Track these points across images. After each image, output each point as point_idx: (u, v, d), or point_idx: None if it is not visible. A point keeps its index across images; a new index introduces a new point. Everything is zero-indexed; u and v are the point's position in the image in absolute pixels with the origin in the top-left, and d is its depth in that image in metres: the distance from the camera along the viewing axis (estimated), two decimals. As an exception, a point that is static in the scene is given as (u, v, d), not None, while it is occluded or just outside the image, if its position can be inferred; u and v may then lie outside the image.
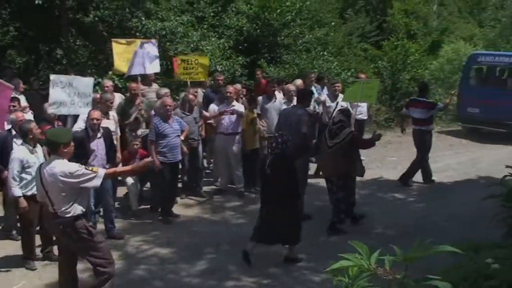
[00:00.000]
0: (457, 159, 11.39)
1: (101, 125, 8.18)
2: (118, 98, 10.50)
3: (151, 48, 10.49)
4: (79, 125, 8.69)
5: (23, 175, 7.07)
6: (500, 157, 12.71)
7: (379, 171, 12.09)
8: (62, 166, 5.49)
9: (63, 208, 5.55)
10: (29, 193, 7.09)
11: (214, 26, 16.41)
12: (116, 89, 11.44)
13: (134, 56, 10.16)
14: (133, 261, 7.57)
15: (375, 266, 2.52)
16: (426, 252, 2.58)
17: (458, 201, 9.76)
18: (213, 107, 10.33)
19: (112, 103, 9.25)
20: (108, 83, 10.74)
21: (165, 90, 10.28)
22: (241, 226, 8.76)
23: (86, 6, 14.29)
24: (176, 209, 9.35)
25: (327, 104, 11.47)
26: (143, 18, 14.09)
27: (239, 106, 10.19)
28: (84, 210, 5.71)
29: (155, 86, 11.39)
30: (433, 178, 11.16)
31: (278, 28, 16.66)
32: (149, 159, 6.53)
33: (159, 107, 9.28)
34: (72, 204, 5.58)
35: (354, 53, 20.39)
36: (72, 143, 5.75)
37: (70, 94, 8.59)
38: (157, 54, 10.70)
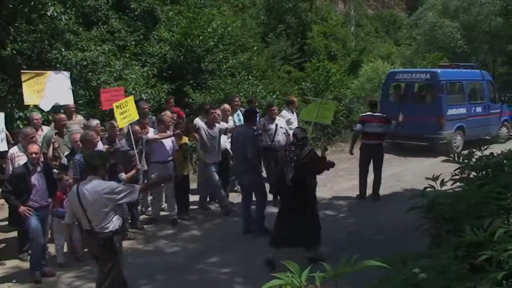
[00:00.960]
0: (383, 173, 11.77)
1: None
2: (45, 130, 10.22)
3: (63, 79, 10.34)
4: None
5: None
6: (423, 169, 13.21)
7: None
8: (103, 184, 6.12)
9: (103, 224, 6.03)
10: None
11: (136, 54, 16.32)
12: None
13: (46, 88, 9.95)
14: None
15: (306, 283, 2.57)
16: (354, 268, 2.67)
17: (387, 214, 10.07)
18: (152, 133, 10.25)
19: (32, 137, 8.91)
20: (37, 115, 10.40)
21: (96, 122, 10.05)
22: (176, 254, 8.68)
23: (3, 39, 13.85)
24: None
25: (267, 127, 11.52)
26: (62, 49, 13.80)
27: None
28: (120, 226, 6.31)
29: (79, 117, 11.16)
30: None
31: (202, 54, 16.73)
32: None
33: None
34: (111, 220, 6.09)
35: (278, 76, 20.79)
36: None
37: None
38: (70, 85, 10.59)
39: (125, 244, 9.13)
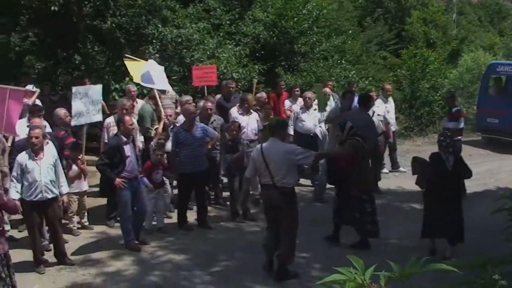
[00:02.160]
0: (476, 169, 11.13)
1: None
2: (140, 103, 10.47)
3: (161, 69, 10.53)
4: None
5: (23, 179, 7.11)
6: (520, 167, 12.48)
7: (396, 180, 11.91)
8: (284, 145, 6.96)
9: (283, 179, 6.73)
10: (31, 199, 7.12)
11: (230, 33, 16.37)
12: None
13: (146, 68, 10.12)
14: (147, 267, 7.50)
15: (370, 281, 2.40)
16: (423, 269, 2.48)
17: (475, 213, 9.56)
18: (234, 111, 10.24)
19: (128, 109, 9.15)
20: (133, 88, 10.69)
21: (187, 98, 10.20)
22: (256, 234, 8.66)
23: (103, 13, 14.34)
24: (193, 216, 9.22)
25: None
26: (159, 25, 14.10)
27: (255, 115, 10.13)
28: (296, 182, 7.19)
29: (171, 92, 11.32)
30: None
31: (295, 36, 16.58)
32: None
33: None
34: (290, 176, 6.82)
35: (372, 61, 20.28)
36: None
37: (86, 104, 8.61)
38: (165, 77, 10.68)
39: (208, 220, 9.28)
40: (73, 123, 8.52)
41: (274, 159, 6.75)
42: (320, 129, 11.06)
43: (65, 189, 7.50)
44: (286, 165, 6.75)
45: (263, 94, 11.44)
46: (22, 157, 7.13)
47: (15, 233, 8.63)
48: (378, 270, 2.47)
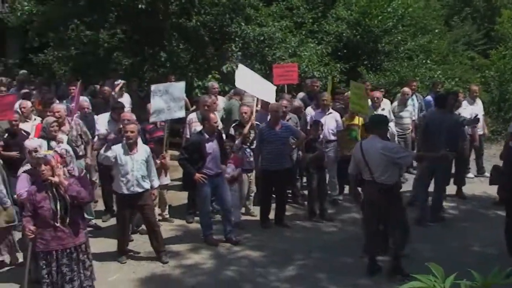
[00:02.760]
0: None
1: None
2: (221, 101, 10.60)
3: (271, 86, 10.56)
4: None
5: (116, 172, 7.41)
6: None
7: (481, 185, 11.45)
8: (382, 143, 6.84)
9: (382, 176, 6.75)
10: (122, 192, 7.36)
11: (313, 32, 16.32)
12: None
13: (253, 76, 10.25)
14: (224, 261, 7.60)
15: None
16: (506, 281, 2.36)
17: None
18: (310, 111, 10.19)
19: (210, 106, 9.28)
20: (216, 85, 10.88)
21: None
22: (333, 234, 8.60)
23: (188, 11, 14.64)
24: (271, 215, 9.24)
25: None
26: (242, 24, 14.23)
27: (335, 115, 10.00)
28: (397, 180, 7.07)
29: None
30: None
31: (379, 34, 16.33)
32: None
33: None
34: (390, 173, 6.79)
35: (459, 62, 19.58)
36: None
37: (166, 101, 8.76)
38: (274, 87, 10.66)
39: (285, 218, 9.26)
40: (151, 119, 8.68)
41: (372, 156, 6.79)
42: (389, 129, 10.85)
43: (156, 183, 7.69)
44: (383, 162, 6.74)
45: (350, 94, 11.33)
46: (117, 150, 7.35)
47: (99, 223, 9.00)
48: (458, 279, 2.38)
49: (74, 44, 15.28)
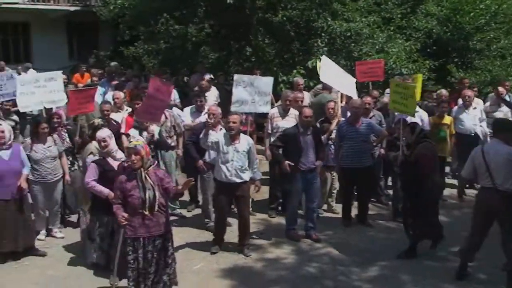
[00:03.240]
0: None
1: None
2: (306, 97, 10.58)
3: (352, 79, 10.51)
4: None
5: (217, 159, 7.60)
6: None
7: None
8: (506, 147, 6.48)
9: (504, 183, 6.40)
10: (221, 180, 7.50)
11: (401, 27, 15.94)
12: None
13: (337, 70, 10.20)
14: (306, 257, 7.60)
15: None
16: None
17: None
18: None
19: (295, 101, 9.26)
20: (301, 81, 10.87)
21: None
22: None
23: (275, 6, 14.68)
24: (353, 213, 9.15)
25: None
26: (329, 19, 14.11)
27: (421, 113, 9.72)
28: None
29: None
30: None
31: (470, 32, 15.75)
32: None
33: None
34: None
35: (557, 61, 18.56)
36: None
37: (251, 93, 8.82)
38: (354, 81, 10.60)
39: (369, 218, 9.13)
40: (232, 108, 8.65)
41: (496, 162, 6.44)
42: (481, 128, 10.46)
43: (258, 175, 7.77)
44: (508, 168, 6.39)
45: (443, 91, 11.04)
46: (219, 138, 7.48)
47: (184, 213, 9.22)
48: None
49: (163, 37, 15.67)
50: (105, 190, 6.56)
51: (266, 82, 9.14)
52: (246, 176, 7.52)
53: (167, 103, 8.48)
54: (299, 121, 8.17)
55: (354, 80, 10.46)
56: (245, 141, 7.55)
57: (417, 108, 9.67)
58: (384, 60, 12.44)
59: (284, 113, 9.13)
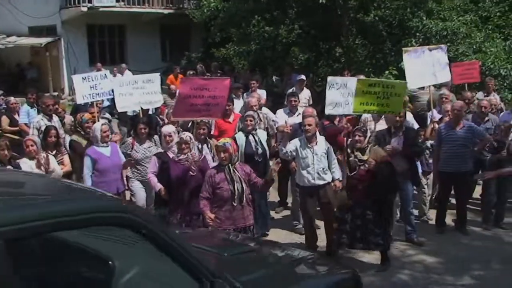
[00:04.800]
0: None
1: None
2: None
3: (441, 55, 10.04)
4: None
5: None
6: None
7: None
8: None
9: None
10: (304, 184, 7.44)
11: (499, 26, 15.33)
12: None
13: (421, 64, 9.77)
14: (398, 264, 7.40)
15: None
16: None
17: None
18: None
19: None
20: None
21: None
22: (514, 245, 8.00)
23: (367, 6, 14.50)
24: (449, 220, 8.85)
25: None
26: (424, 18, 13.75)
27: None
28: None
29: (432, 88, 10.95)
30: None
31: None
32: None
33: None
34: None
35: None
36: None
37: (344, 95, 8.66)
38: (447, 61, 10.13)
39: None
40: (327, 111, 8.56)
41: None
42: None
43: (338, 174, 7.60)
44: None
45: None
46: (296, 144, 7.44)
47: (273, 214, 9.23)
48: None
49: (254, 39, 15.84)
50: (157, 186, 6.97)
51: None
52: (328, 177, 7.42)
53: (223, 97, 8.45)
54: (386, 121, 8.04)
55: (446, 61, 10.06)
56: (322, 142, 7.47)
57: None
58: (481, 61, 11.98)
59: (378, 117, 8.92)
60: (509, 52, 14.08)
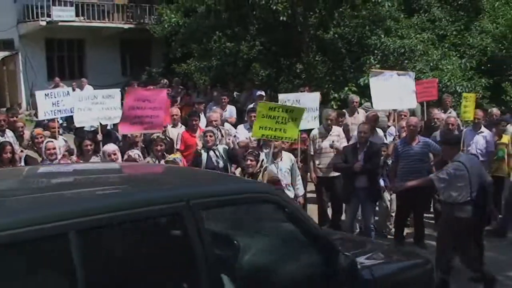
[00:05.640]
0: None
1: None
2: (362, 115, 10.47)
3: (409, 81, 10.20)
4: None
5: None
6: None
7: None
8: None
9: None
10: None
11: (455, 45, 15.71)
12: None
13: (388, 87, 9.85)
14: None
15: None
16: None
17: None
18: None
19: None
20: (356, 98, 10.73)
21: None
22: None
23: (327, 23, 14.68)
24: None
25: None
26: (382, 36, 13.99)
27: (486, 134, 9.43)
28: None
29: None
30: None
31: (527, 49, 15.36)
32: None
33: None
34: None
35: None
36: None
37: None
38: (414, 88, 10.24)
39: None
40: None
41: None
42: None
43: (301, 191, 7.65)
44: None
45: (493, 110, 10.66)
46: (263, 158, 7.33)
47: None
48: None
49: (215, 55, 15.87)
50: None
51: (312, 98, 9.04)
52: (291, 194, 7.39)
53: (161, 109, 8.46)
54: (358, 137, 8.10)
55: (413, 88, 10.24)
56: (287, 159, 7.49)
57: (482, 128, 9.44)
58: (438, 78, 12.23)
59: (325, 133, 8.96)
60: (465, 69, 14.43)
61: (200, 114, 10.46)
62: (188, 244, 2.99)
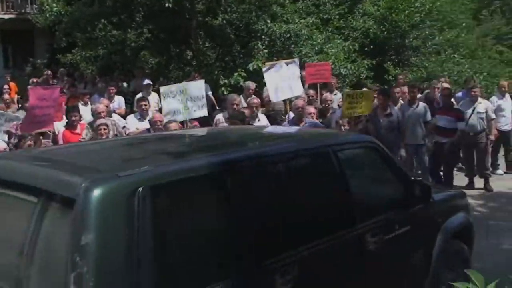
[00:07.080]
0: None
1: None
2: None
3: (295, 69, 10.41)
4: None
5: None
6: None
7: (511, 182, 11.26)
8: None
9: None
10: None
11: (339, 28, 16.21)
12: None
13: (280, 78, 10.05)
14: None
15: None
16: None
17: None
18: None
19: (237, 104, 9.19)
20: (252, 86, 10.77)
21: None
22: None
23: (214, 10, 14.65)
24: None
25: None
26: (268, 21, 14.17)
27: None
28: None
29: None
30: None
31: (406, 29, 16.13)
32: None
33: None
34: None
35: (488, 56, 19.29)
36: None
37: (182, 101, 8.67)
38: (299, 74, 10.55)
39: None
40: (166, 119, 8.28)
41: None
42: None
43: None
44: None
45: None
46: None
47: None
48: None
49: (101, 44, 15.42)
50: None
51: (197, 86, 9.03)
52: None
53: (53, 107, 8.19)
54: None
55: (298, 75, 10.51)
56: None
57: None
58: (330, 63, 12.55)
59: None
60: (348, 52, 14.95)
61: (82, 105, 10.22)
62: (337, 175, 4.27)
